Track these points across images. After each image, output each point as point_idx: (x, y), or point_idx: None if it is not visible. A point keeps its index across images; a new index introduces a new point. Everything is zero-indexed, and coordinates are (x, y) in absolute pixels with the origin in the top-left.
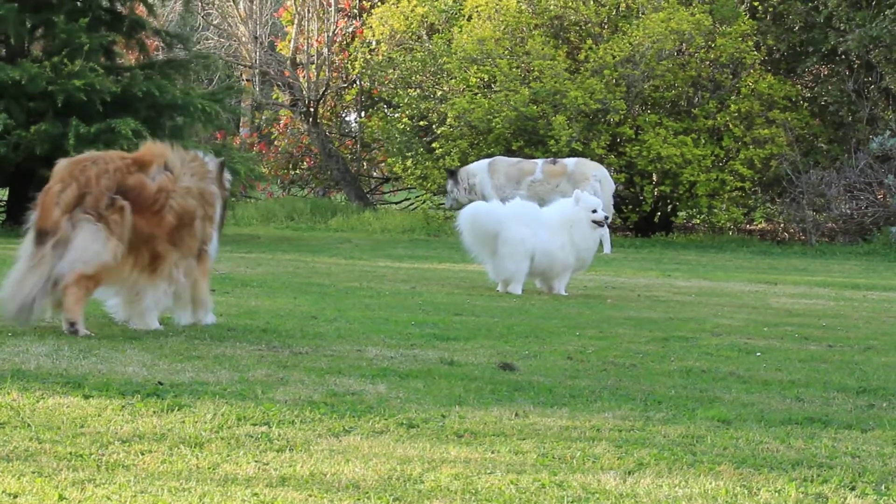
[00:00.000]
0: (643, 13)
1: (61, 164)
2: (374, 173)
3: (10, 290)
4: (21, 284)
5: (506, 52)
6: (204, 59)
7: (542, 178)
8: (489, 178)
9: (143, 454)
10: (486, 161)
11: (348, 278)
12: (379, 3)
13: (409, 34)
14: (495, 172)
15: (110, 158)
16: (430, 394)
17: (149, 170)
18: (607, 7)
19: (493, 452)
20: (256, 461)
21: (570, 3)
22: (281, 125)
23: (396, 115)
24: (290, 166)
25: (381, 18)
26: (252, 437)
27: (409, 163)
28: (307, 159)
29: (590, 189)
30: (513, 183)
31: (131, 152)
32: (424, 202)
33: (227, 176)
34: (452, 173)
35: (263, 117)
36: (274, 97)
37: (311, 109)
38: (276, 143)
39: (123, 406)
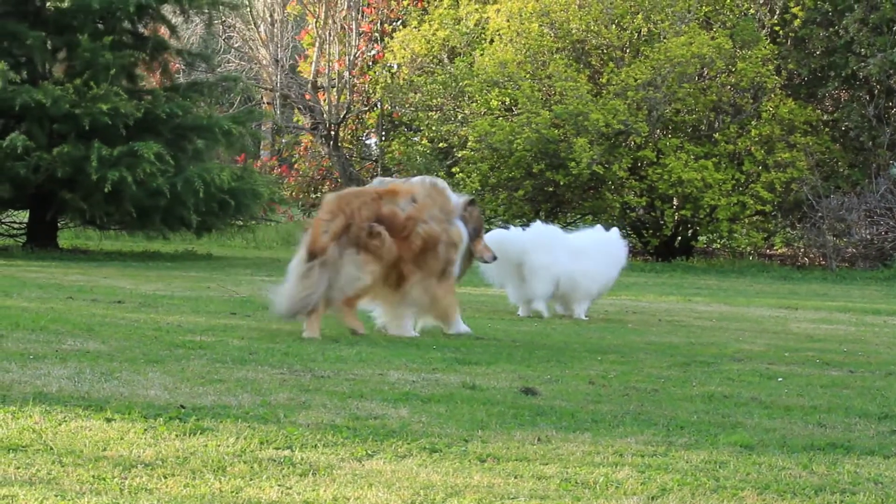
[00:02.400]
0: (664, 37)
1: (330, 198)
2: None
3: (286, 295)
4: (293, 291)
5: (527, 75)
6: (232, 81)
7: None
8: None
9: (165, 478)
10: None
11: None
12: (400, 27)
13: (431, 57)
14: None
15: (368, 192)
16: (452, 418)
17: (399, 201)
18: (629, 31)
19: (515, 478)
20: (279, 485)
21: (593, 27)
22: (302, 148)
23: (417, 138)
24: (311, 189)
25: (403, 42)
26: (275, 460)
27: None
28: (328, 182)
29: None
30: None
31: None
32: None
33: (477, 209)
34: None
35: (284, 140)
36: (295, 120)
37: (332, 133)
38: (296, 166)
39: (146, 429)
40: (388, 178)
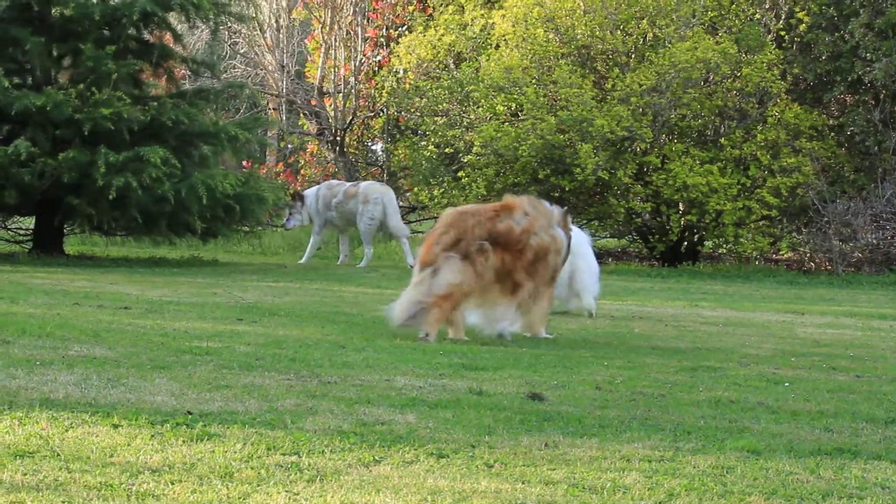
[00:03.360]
0: (669, 42)
1: (448, 213)
2: (400, 203)
3: (402, 304)
4: (409, 298)
5: (533, 81)
6: (237, 87)
7: (342, 200)
8: (314, 203)
9: (173, 484)
10: (316, 187)
11: (376, 307)
12: (406, 32)
13: (437, 63)
14: (319, 197)
15: (485, 211)
16: (459, 424)
17: (514, 215)
18: (634, 36)
19: (523, 483)
20: (287, 491)
21: (598, 33)
22: (307, 154)
23: (423, 143)
24: None
25: (409, 47)
26: (282, 466)
27: (435, 191)
28: None
29: (370, 209)
30: (327, 206)
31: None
32: None
33: (570, 220)
34: (301, 196)
35: (289, 146)
36: (300, 125)
37: (338, 138)
38: (302, 171)
39: (153, 435)
40: (334, 181)
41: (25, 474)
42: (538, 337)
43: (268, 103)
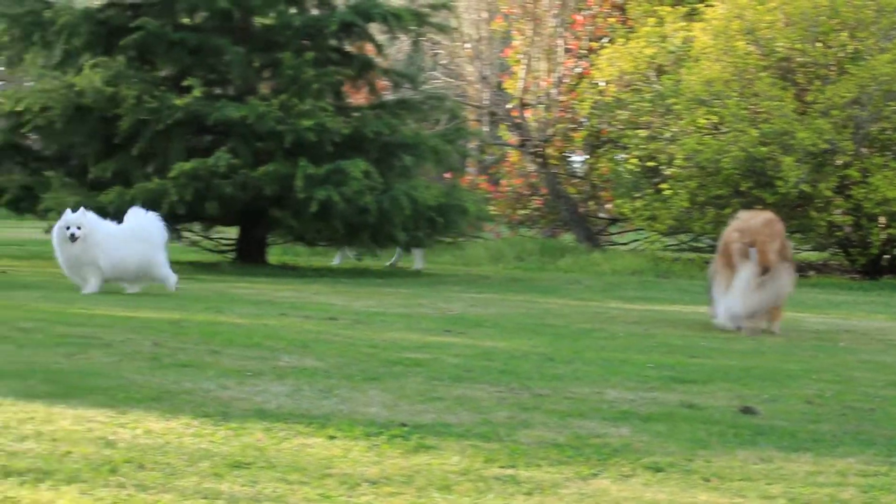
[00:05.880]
0: (870, 54)
1: (768, 223)
2: (601, 214)
3: (739, 302)
4: (749, 299)
5: (734, 93)
6: (438, 100)
7: None
8: None
9: (391, 496)
10: None
11: (581, 319)
12: (607, 44)
13: (638, 75)
14: None
15: (777, 218)
16: (673, 437)
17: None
18: (834, 49)
19: (741, 497)
20: None
21: (798, 45)
22: (508, 165)
23: (624, 155)
24: (518, 207)
25: (610, 59)
26: (499, 479)
27: (637, 203)
28: (535, 199)
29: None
30: None
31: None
32: (653, 243)
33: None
34: None
35: (490, 157)
36: (501, 136)
37: (540, 149)
38: (502, 183)
39: (369, 447)
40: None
41: (244, 486)
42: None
43: (469, 115)
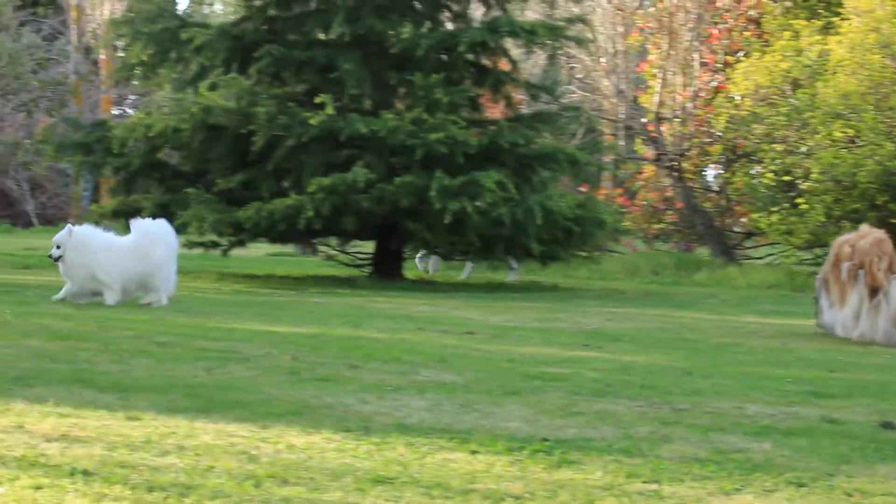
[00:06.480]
0: None
1: (876, 243)
2: (736, 228)
3: (851, 324)
4: (862, 324)
5: (870, 107)
6: (574, 112)
7: None
8: None
9: None
10: None
11: (718, 334)
12: (743, 58)
13: (773, 89)
14: None
15: (887, 238)
16: (814, 452)
17: None
18: None
19: None
20: None
21: None
22: (643, 178)
23: (760, 169)
24: (654, 220)
25: (745, 73)
26: (643, 494)
27: (773, 217)
28: (671, 213)
29: None
30: None
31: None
32: (789, 257)
33: None
34: None
35: (627, 171)
36: (636, 150)
37: (676, 163)
38: (638, 196)
39: (512, 462)
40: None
41: (387, 501)
42: None
43: (605, 129)
